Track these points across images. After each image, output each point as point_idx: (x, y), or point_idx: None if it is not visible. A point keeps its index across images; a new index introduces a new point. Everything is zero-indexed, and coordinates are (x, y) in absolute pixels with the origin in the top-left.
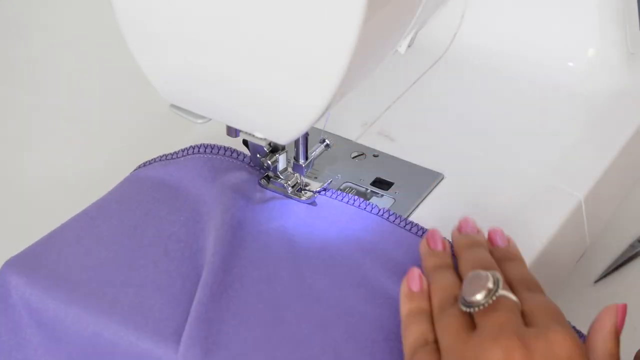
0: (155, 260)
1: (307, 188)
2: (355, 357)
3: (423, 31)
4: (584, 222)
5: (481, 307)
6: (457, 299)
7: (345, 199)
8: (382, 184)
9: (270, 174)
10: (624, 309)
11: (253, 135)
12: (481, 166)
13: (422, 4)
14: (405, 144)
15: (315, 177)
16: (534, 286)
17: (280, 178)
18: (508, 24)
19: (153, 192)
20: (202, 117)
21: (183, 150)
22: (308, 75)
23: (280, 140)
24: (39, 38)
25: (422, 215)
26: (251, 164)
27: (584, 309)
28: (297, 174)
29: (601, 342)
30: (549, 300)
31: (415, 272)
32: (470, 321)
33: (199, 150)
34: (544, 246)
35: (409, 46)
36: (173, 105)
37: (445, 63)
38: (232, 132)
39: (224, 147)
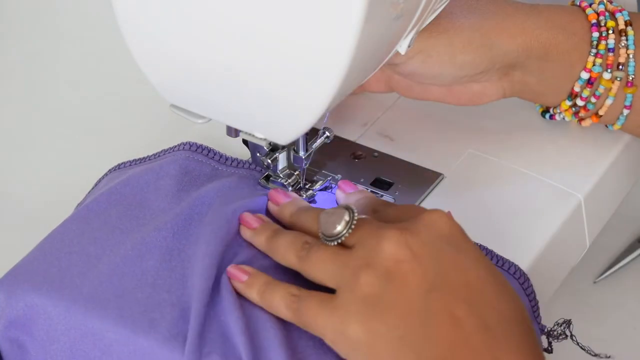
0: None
1: (307, 187)
2: None
3: None
4: (584, 222)
5: (344, 238)
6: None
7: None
8: (382, 184)
9: (270, 173)
10: None
11: (253, 135)
12: (481, 166)
13: (422, 4)
14: (405, 144)
15: (315, 177)
16: (388, 204)
17: (280, 177)
18: None
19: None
20: (202, 117)
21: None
22: (308, 76)
23: (280, 140)
24: (39, 38)
25: None
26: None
27: (584, 309)
28: (297, 173)
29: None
30: (410, 204)
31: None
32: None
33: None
34: (544, 246)
35: (409, 46)
36: (173, 105)
37: None
38: (232, 132)
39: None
